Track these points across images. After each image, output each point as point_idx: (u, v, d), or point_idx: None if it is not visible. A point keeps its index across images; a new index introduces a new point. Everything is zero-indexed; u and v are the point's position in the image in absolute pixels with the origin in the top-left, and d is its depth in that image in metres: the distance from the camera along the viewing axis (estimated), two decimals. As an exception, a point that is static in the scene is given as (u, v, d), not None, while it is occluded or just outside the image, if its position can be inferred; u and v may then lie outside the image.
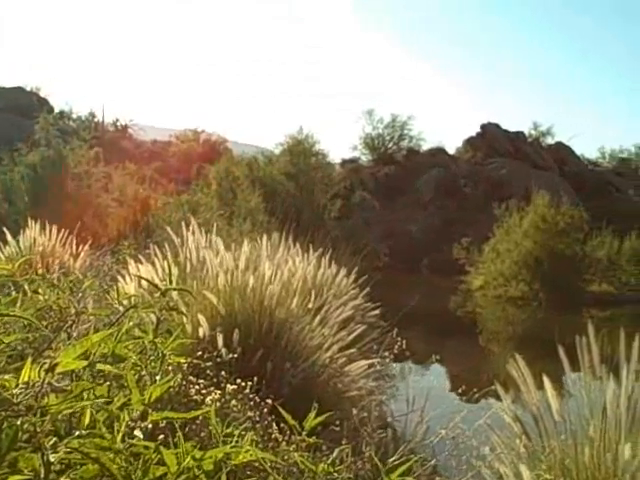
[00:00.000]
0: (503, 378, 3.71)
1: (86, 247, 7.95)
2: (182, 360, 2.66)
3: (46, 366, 1.37)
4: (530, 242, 21.22)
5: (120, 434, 1.48)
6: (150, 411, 1.72)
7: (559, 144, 38.56)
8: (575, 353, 3.54)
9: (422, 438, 3.88)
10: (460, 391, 5.27)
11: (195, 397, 2.79)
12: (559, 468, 3.31)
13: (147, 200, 15.41)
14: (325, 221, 23.22)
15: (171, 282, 3.07)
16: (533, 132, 39.05)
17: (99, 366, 1.59)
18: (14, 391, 1.36)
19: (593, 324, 3.56)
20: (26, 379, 1.37)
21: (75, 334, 2.22)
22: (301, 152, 26.61)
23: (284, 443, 2.53)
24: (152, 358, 2.29)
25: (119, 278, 5.35)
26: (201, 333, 4.27)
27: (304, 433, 2.37)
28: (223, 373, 3.47)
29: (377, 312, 6.72)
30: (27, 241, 7.26)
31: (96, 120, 39.58)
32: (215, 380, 3.33)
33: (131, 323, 2.50)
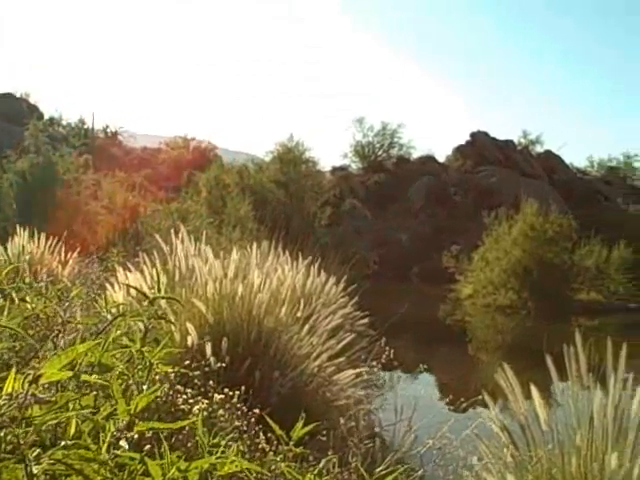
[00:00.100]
0: (491, 387, 3.72)
1: (75, 254, 7.93)
2: (169, 369, 2.65)
3: (30, 377, 1.37)
4: (519, 250, 21.28)
5: (105, 445, 1.47)
6: (137, 421, 1.71)
7: (548, 152, 38.77)
8: (563, 362, 3.55)
9: (410, 448, 3.88)
10: (448, 400, 5.28)
11: (182, 406, 2.78)
12: (546, 478, 3.32)
13: (136, 208, 15.40)
14: (315, 229, 23.21)
15: (159, 290, 3.07)
16: (522, 140, 39.30)
17: (84, 377, 1.58)
18: (-2, 402, 1.35)
19: (581, 333, 3.57)
20: (9, 390, 1.36)
21: (62, 343, 2.22)
22: (291, 160, 26.61)
23: (271, 453, 2.52)
24: (139, 367, 2.28)
25: (107, 286, 5.33)
26: (189, 342, 4.26)
27: (291, 443, 2.36)
28: (211, 382, 3.46)
29: (366, 321, 6.72)
30: (15, 248, 7.23)
31: (86, 127, 39.55)
32: (203, 389, 3.31)
33: (119, 332, 2.49)
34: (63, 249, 7.82)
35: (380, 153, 37.48)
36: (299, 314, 5.23)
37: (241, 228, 15.87)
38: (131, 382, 2.20)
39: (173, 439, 2.42)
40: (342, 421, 3.64)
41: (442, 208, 32.13)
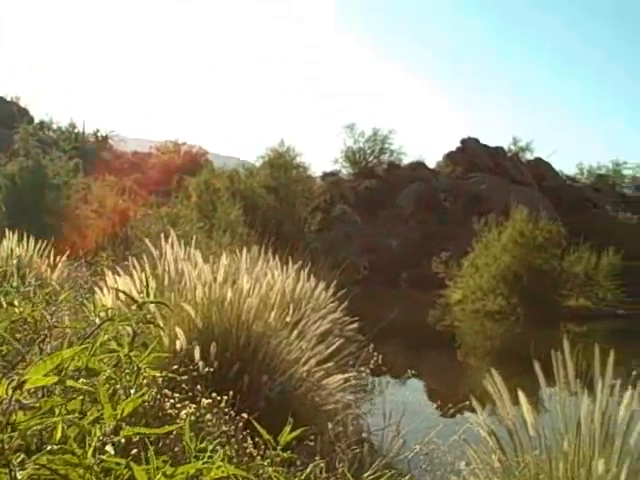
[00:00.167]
0: (480, 393, 3.72)
1: (64, 258, 7.91)
2: (157, 374, 2.65)
3: (14, 383, 1.36)
4: (508, 257, 21.34)
5: (91, 449, 1.47)
6: (124, 425, 1.71)
7: (538, 160, 38.95)
8: (552, 368, 3.57)
9: (397, 452, 3.88)
10: (437, 405, 5.29)
11: (170, 411, 2.77)
12: (533, 483, 3.33)
13: (126, 212, 15.38)
14: (305, 234, 23.21)
15: (148, 295, 3.06)
16: (513, 147, 39.46)
17: (69, 382, 1.57)
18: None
19: (569, 339, 3.59)
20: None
21: (48, 348, 2.21)
22: (282, 165, 26.61)
23: (259, 458, 2.52)
24: (127, 372, 2.27)
25: (97, 290, 5.32)
26: (178, 346, 4.25)
27: (279, 448, 2.36)
28: (199, 387, 3.45)
29: (355, 326, 6.72)
30: (4, 252, 7.20)
31: (76, 131, 39.45)
32: (190, 394, 3.31)
33: (106, 336, 2.48)
34: (52, 253, 7.79)
35: (371, 159, 37.54)
36: (288, 319, 5.23)
37: (231, 233, 15.86)
38: (119, 386, 2.19)
39: (160, 443, 2.41)
40: (330, 426, 3.63)
41: (432, 214, 32.21)
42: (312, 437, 3.35)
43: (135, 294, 4.66)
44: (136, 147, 45.15)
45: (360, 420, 5.57)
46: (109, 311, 3.11)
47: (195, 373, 3.77)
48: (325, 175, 35.85)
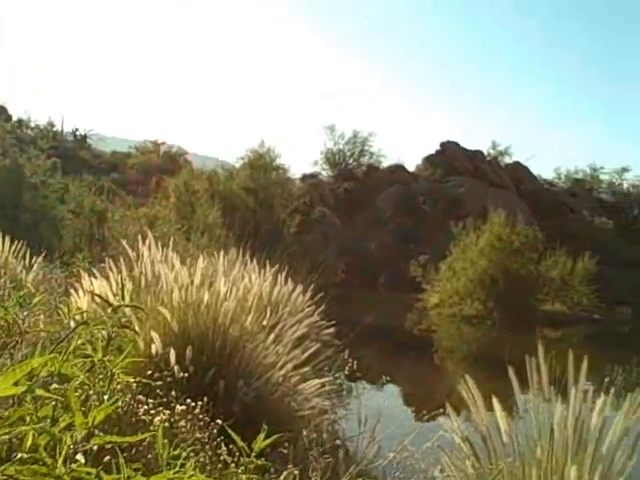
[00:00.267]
0: (456, 398, 3.73)
1: (40, 259, 7.82)
2: (131, 379, 2.63)
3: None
4: (485, 261, 21.47)
5: (61, 458, 1.46)
6: (97, 432, 1.69)
7: (516, 163, 39.20)
8: (527, 373, 3.58)
9: (372, 459, 3.88)
10: (413, 410, 5.30)
11: (143, 417, 2.75)
12: (507, 489, 3.34)
13: (104, 212, 15.25)
14: (284, 236, 23.19)
15: (124, 298, 3.04)
16: (492, 151, 39.68)
17: (38, 391, 1.56)
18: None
19: (544, 344, 3.61)
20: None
21: (19, 356, 2.19)
22: (262, 166, 26.58)
23: (233, 465, 2.51)
24: (101, 377, 2.26)
25: (72, 292, 5.27)
26: (154, 350, 4.23)
27: (253, 455, 2.35)
28: (173, 393, 3.43)
29: (332, 330, 6.72)
30: (-22, 253, 7.11)
31: (55, 129, 39.12)
32: (165, 400, 3.29)
33: (80, 341, 2.46)
34: (28, 253, 7.71)
35: (350, 161, 37.60)
36: (265, 322, 5.22)
37: (209, 234, 15.81)
38: (92, 392, 2.17)
39: (134, 450, 2.40)
40: (305, 433, 3.63)
41: (411, 217, 32.30)
42: (287, 443, 3.34)
43: (111, 297, 4.64)
44: (115, 147, 44.88)
45: (335, 425, 5.56)
46: (84, 314, 3.09)
47: (170, 378, 3.75)
48: (305, 177, 35.86)
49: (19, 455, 1.45)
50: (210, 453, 2.67)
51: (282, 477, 2.28)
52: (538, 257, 22.63)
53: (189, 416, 3.01)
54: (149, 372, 3.54)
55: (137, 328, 4.02)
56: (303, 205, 28.00)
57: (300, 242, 23.48)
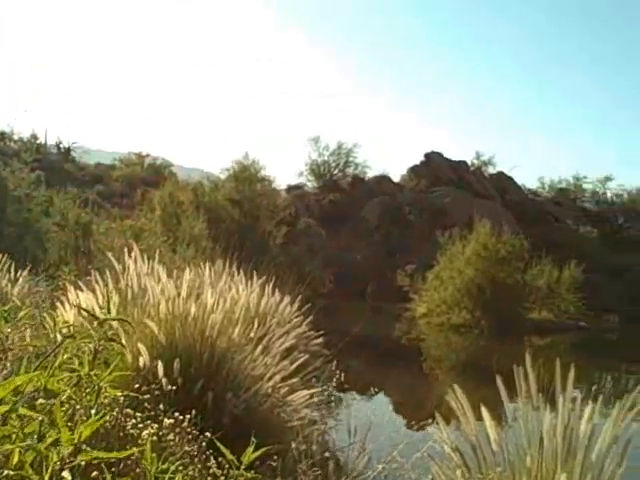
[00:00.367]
0: (445, 407, 3.73)
1: (25, 273, 7.76)
2: (119, 393, 2.60)
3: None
4: (472, 270, 21.51)
5: (48, 475, 1.43)
6: (84, 447, 1.67)
7: (500, 174, 39.41)
8: (515, 381, 3.58)
9: (362, 470, 3.86)
10: (402, 420, 5.28)
11: (131, 431, 2.72)
12: (497, 499, 3.33)
13: (89, 225, 15.16)
14: (270, 248, 23.15)
15: (110, 311, 3.01)
16: (475, 161, 39.89)
17: (22, 410, 1.53)
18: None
19: (532, 352, 3.61)
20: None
21: (5, 372, 2.16)
22: (247, 178, 26.55)
23: (222, 478, 2.49)
24: (88, 391, 2.23)
25: (58, 305, 5.23)
26: (141, 363, 4.19)
27: (242, 467, 2.33)
28: (161, 406, 3.40)
29: (320, 340, 6.70)
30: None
31: (38, 142, 38.93)
32: (153, 413, 3.26)
33: (67, 355, 2.43)
34: (13, 267, 7.64)
35: (335, 172, 37.69)
36: (253, 334, 5.19)
37: (195, 246, 15.75)
38: (79, 407, 2.15)
39: (122, 465, 2.37)
40: (294, 444, 3.60)
41: (397, 227, 32.38)
42: (276, 456, 3.31)
43: (97, 310, 4.60)
44: (99, 159, 44.73)
45: (325, 436, 5.54)
46: (71, 328, 3.05)
47: (158, 391, 3.71)
48: (290, 188, 35.90)
49: (5, 472, 1.42)
50: (199, 466, 2.64)
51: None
52: (524, 266, 22.71)
53: (177, 429, 2.98)
54: (137, 385, 3.51)
55: (124, 341, 3.99)
56: (289, 216, 27.97)
57: (286, 253, 23.46)
